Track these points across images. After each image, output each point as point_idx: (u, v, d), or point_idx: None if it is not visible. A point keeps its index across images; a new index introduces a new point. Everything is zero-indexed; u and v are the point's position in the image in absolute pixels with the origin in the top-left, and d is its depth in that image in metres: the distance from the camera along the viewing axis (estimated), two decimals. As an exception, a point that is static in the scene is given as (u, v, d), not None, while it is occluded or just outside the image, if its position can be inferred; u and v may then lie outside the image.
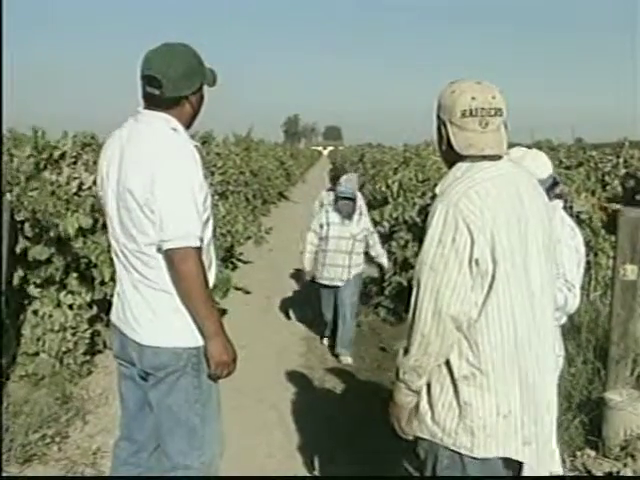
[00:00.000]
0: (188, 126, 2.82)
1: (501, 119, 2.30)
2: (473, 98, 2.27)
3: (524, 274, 2.25)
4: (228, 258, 10.21)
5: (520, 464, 2.37)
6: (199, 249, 2.59)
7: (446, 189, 2.28)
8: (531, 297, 2.28)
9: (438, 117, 2.37)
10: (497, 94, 2.30)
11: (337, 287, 6.80)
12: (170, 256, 2.57)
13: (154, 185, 2.56)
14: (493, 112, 2.27)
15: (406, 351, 2.29)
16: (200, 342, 2.68)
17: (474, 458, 2.26)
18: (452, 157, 2.34)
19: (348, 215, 6.76)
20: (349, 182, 6.91)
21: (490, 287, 2.21)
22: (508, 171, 2.33)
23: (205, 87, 2.84)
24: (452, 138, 2.30)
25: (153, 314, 2.71)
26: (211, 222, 2.81)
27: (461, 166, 2.31)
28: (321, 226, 6.82)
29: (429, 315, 2.21)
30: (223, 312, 7.76)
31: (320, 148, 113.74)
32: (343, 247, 6.74)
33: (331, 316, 6.99)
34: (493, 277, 2.20)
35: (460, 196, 2.21)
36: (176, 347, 2.69)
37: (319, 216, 6.95)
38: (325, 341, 7.27)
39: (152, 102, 2.73)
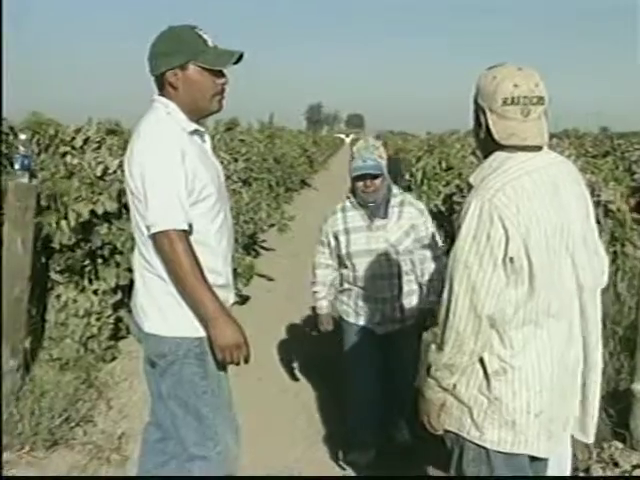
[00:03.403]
0: (199, 110, 2.74)
1: (543, 108, 2.22)
2: (515, 85, 2.18)
3: (565, 270, 2.20)
4: (251, 245, 10.22)
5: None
6: (185, 232, 2.56)
7: (481, 182, 2.21)
8: (579, 290, 2.23)
9: (476, 103, 2.29)
10: (539, 81, 2.22)
11: (383, 335, 4.07)
12: (156, 240, 2.58)
13: (138, 168, 2.59)
14: (535, 100, 2.19)
15: (439, 348, 2.24)
16: (202, 332, 2.64)
17: (500, 452, 2.24)
18: (491, 146, 2.26)
19: (379, 209, 3.92)
20: (368, 151, 3.87)
21: (525, 284, 2.16)
22: (547, 163, 2.25)
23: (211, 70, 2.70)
24: (492, 126, 2.22)
25: (155, 302, 2.71)
26: (220, 216, 2.76)
27: (499, 155, 2.24)
28: (335, 237, 4.04)
29: (464, 313, 2.15)
30: (245, 299, 7.77)
31: (342, 136, 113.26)
32: (384, 268, 3.93)
33: (374, 388, 4.16)
34: (529, 274, 2.15)
35: (495, 191, 2.14)
36: (176, 337, 2.68)
37: (333, 218, 4.06)
38: (361, 457, 4.12)
39: (156, 86, 2.76)
